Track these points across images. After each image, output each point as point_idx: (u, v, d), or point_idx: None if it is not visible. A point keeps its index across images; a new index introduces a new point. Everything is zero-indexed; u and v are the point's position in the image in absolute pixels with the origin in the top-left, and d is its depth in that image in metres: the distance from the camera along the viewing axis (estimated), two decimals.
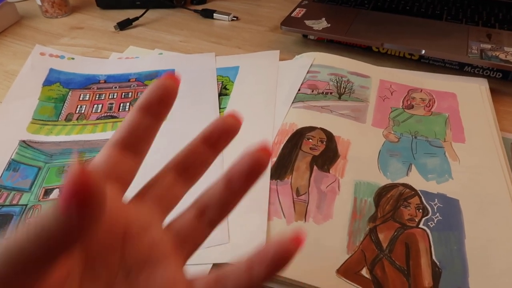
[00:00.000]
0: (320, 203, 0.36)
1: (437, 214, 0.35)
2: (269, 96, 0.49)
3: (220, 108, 0.48)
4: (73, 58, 0.59)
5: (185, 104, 0.49)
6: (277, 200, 0.36)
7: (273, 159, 0.40)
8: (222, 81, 0.53)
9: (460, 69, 0.57)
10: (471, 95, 0.50)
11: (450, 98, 0.50)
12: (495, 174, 0.39)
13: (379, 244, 0.33)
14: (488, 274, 0.31)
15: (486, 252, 0.32)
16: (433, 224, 0.35)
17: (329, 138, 0.42)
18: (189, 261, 0.31)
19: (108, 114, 0.49)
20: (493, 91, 0.52)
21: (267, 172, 0.38)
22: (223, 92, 0.51)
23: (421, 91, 0.51)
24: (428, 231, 0.34)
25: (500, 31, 0.59)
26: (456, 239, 0.33)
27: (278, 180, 0.37)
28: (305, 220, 0.34)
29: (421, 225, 0.34)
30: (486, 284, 0.30)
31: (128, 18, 0.70)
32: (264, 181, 0.37)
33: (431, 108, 0.48)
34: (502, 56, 0.53)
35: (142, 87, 0.53)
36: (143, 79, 0.55)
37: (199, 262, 0.31)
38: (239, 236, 0.33)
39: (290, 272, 0.30)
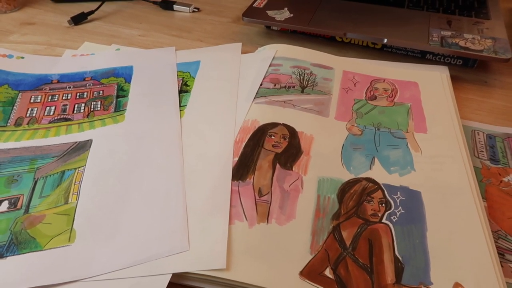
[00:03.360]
0: (283, 203, 0.35)
1: (400, 207, 0.35)
2: (230, 92, 0.48)
3: (180, 106, 0.47)
4: (22, 57, 0.55)
5: (143, 103, 0.47)
6: (239, 202, 0.35)
7: (235, 159, 0.38)
8: (183, 77, 0.52)
9: (422, 56, 0.58)
10: (433, 83, 0.50)
11: (412, 87, 0.50)
12: (456, 164, 0.39)
13: (343, 242, 0.33)
14: (450, 266, 0.31)
15: (447, 244, 0.33)
16: (396, 218, 0.34)
17: (292, 134, 0.41)
18: (146, 272, 0.30)
19: (61, 116, 0.46)
20: (453, 78, 0.53)
21: (229, 173, 0.37)
22: (184, 89, 0.49)
23: (384, 81, 0.51)
24: (391, 225, 0.34)
25: (460, 17, 0.60)
26: (418, 232, 0.33)
27: (240, 181, 0.36)
28: (267, 222, 0.33)
29: (384, 220, 0.34)
30: (448, 276, 0.31)
31: (83, 12, 0.66)
32: (225, 182, 0.36)
33: (393, 99, 0.48)
34: (461, 43, 0.53)
35: (98, 86, 0.51)
36: (99, 77, 0.52)
37: (157, 273, 0.30)
38: (200, 242, 0.32)
39: (251, 277, 0.29)
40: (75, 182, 0.38)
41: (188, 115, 0.45)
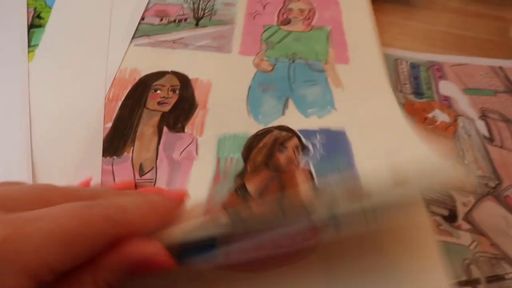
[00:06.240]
0: (171, 178, 0.27)
1: (321, 151, 0.29)
2: (100, 28, 0.36)
3: (29, 46, 0.35)
4: None
5: None
6: None
7: (108, 125, 0.29)
8: (35, 7, 0.39)
9: None
10: (355, 2, 0.42)
11: (333, 6, 0.41)
12: (382, 100, 0.33)
13: (248, 197, 0.26)
14: None
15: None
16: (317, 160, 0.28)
17: (184, 83, 0.32)
18: None
19: None
20: None
21: (99, 147, 0.28)
22: (36, 23, 0.37)
23: None
24: (310, 165, 0.28)
25: None
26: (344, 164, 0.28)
27: (115, 157, 0.28)
28: None
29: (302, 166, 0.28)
30: None
31: None
32: (94, 160, 0.27)
33: (311, 21, 0.40)
34: None
35: None
36: None
37: None
38: None
39: None
40: None
41: (39, 57, 0.34)
